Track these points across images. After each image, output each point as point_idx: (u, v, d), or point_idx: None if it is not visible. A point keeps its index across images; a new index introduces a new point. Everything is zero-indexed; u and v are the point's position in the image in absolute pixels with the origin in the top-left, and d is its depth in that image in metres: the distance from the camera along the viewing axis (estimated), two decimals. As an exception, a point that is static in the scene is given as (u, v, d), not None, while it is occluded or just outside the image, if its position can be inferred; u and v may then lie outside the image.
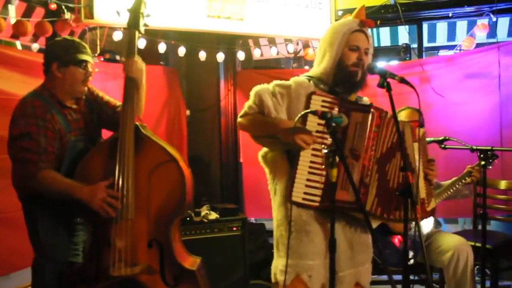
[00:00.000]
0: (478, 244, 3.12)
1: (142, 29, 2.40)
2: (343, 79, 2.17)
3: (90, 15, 3.59)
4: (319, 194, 2.10)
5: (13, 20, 3.61)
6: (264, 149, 2.30)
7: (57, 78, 2.31)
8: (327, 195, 2.06)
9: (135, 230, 2.23)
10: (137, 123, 2.33)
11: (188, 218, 3.82)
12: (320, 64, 2.23)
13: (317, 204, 2.10)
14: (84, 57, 2.34)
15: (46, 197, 2.25)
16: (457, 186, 3.15)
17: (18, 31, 3.54)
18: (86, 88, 2.42)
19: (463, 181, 3.13)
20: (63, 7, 3.56)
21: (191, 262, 2.40)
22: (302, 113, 2.03)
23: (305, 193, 2.10)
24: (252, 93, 2.20)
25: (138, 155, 2.26)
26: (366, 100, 2.35)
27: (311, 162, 2.09)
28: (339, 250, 2.05)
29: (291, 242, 2.12)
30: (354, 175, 2.09)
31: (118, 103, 2.48)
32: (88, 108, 2.47)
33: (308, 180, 2.10)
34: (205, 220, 3.86)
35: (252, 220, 4.93)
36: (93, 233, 2.33)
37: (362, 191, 2.10)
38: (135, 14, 2.36)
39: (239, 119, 2.23)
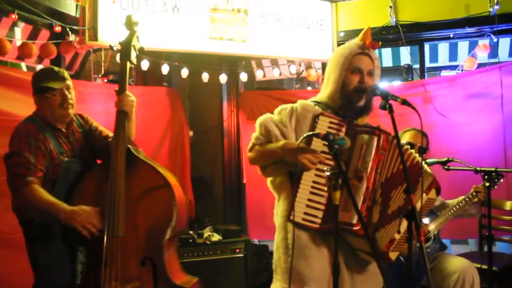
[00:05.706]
0: (484, 266, 3.05)
1: (133, 60, 2.48)
2: (346, 103, 2.17)
3: (94, 37, 3.64)
4: (320, 216, 2.05)
5: (18, 42, 3.66)
6: None
7: (39, 105, 2.42)
8: (328, 217, 2.00)
9: (127, 248, 2.26)
10: (130, 146, 2.40)
11: (190, 240, 3.79)
12: (326, 88, 2.24)
13: (317, 226, 2.05)
14: (51, 84, 2.36)
15: (32, 217, 2.30)
16: (461, 205, 3.11)
17: (23, 53, 3.59)
18: (70, 112, 2.44)
19: (468, 200, 3.10)
20: (68, 29, 3.60)
21: (185, 280, 2.40)
22: (305, 135, 2.00)
23: (305, 213, 2.05)
24: (257, 125, 2.19)
25: (130, 176, 2.33)
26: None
27: (314, 182, 2.06)
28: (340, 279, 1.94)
29: (289, 265, 2.07)
30: (357, 197, 2.04)
31: (110, 134, 2.53)
32: (82, 134, 2.53)
33: (309, 200, 2.06)
34: (208, 242, 3.84)
35: (256, 241, 4.88)
36: (89, 252, 2.35)
37: (364, 214, 2.04)
38: (126, 47, 2.46)
39: (248, 154, 2.22)
